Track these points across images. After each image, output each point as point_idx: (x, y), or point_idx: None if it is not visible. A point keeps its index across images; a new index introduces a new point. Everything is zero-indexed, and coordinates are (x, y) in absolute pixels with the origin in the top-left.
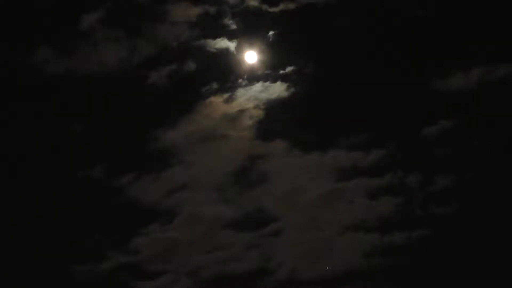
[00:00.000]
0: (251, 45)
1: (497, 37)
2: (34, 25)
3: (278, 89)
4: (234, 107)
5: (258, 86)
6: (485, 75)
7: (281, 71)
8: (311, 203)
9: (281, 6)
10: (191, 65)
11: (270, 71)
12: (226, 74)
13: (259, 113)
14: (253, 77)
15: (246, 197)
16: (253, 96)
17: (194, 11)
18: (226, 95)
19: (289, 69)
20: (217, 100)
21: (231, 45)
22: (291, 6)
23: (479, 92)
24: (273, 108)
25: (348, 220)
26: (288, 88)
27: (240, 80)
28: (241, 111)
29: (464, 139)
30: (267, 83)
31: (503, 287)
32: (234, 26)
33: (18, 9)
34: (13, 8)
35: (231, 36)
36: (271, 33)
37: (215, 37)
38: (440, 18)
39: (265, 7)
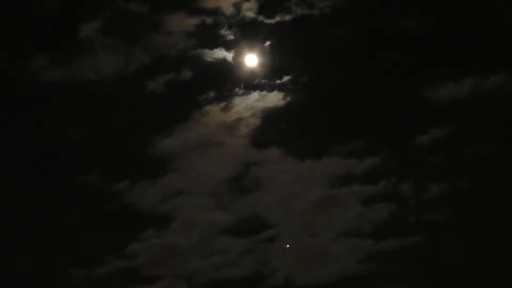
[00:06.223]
0: (248, 55)
1: (489, 48)
2: (32, 34)
3: (274, 98)
4: (231, 115)
5: (255, 95)
6: (476, 85)
7: (278, 81)
8: (305, 210)
9: (277, 18)
10: (188, 74)
11: (266, 81)
12: (223, 83)
13: (256, 121)
14: (250, 86)
15: (241, 203)
16: (250, 105)
17: (191, 22)
18: (223, 104)
19: (285, 78)
20: (214, 109)
21: (228, 55)
22: (287, 17)
23: (471, 101)
24: (269, 116)
25: (343, 227)
26: (284, 97)
27: (237, 89)
28: (238, 120)
29: (456, 148)
30: (264, 92)
31: None
32: (231, 37)
33: (17, 18)
34: (12, 16)
35: (228, 46)
36: (267, 43)
37: (212, 47)
38: (433, 29)
39: (261, 18)
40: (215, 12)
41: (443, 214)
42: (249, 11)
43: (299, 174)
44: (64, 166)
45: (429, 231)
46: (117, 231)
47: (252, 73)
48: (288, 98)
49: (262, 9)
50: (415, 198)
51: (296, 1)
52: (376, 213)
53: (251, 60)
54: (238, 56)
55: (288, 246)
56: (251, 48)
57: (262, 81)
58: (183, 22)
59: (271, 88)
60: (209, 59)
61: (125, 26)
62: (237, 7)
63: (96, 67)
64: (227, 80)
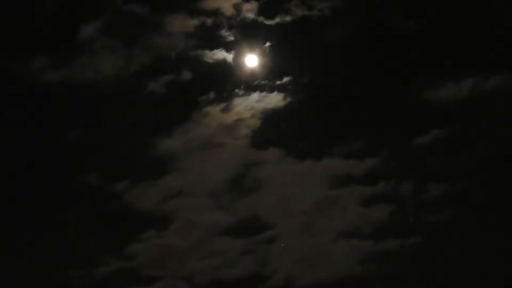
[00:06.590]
0: (248, 56)
1: (488, 49)
2: (32, 34)
3: (275, 99)
4: (231, 116)
5: (255, 96)
6: (476, 86)
7: (278, 82)
8: (305, 210)
9: (277, 19)
10: (188, 75)
11: (267, 82)
12: (223, 84)
13: (256, 122)
14: (250, 87)
15: (241, 203)
16: (249, 106)
17: (191, 23)
18: (223, 105)
19: (285, 79)
20: (214, 110)
21: (228, 56)
22: (287, 18)
23: (471, 102)
24: (269, 117)
25: (342, 227)
26: (284, 98)
27: (237, 90)
28: (238, 121)
29: (456, 148)
30: (264, 93)
31: None
32: (231, 38)
33: (17, 18)
34: (12, 17)
35: (228, 47)
36: (267, 44)
37: (212, 48)
38: (433, 30)
39: (261, 19)
40: (215, 13)
41: (443, 214)
42: (249, 12)
43: (299, 175)
44: (64, 167)
45: (429, 231)
46: (117, 231)
47: (252, 74)
48: (288, 99)
49: (262, 10)
50: (415, 198)
51: (296, 2)
52: (376, 213)
53: (251, 61)
54: (238, 57)
55: (284, 245)
56: (251, 49)
57: (262, 82)
58: (183, 23)
59: (271, 89)
60: (209, 60)
61: (125, 27)
62: (237, 8)
63: (96, 68)
64: (227, 81)
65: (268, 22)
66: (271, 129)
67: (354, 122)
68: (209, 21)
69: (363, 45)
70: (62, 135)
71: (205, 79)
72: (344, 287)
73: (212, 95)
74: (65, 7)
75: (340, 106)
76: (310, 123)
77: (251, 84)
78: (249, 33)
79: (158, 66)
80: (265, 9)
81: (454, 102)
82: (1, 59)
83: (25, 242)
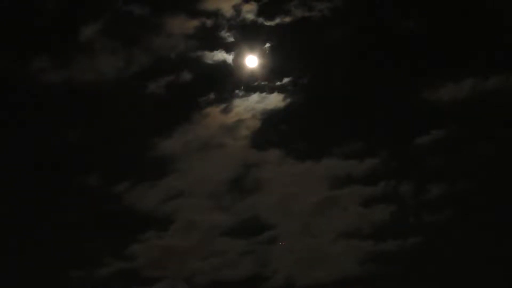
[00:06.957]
0: (248, 57)
1: (488, 49)
2: (33, 35)
3: (274, 100)
4: (231, 117)
5: (255, 97)
6: (476, 86)
7: (278, 83)
8: (305, 211)
9: (277, 20)
10: (188, 76)
11: (266, 82)
12: (223, 85)
13: (256, 123)
14: (250, 88)
15: (241, 204)
16: (250, 107)
17: (191, 24)
18: (223, 106)
19: (285, 80)
20: (214, 110)
21: (228, 57)
22: (286, 19)
23: (471, 102)
24: (269, 118)
25: (342, 228)
26: (284, 98)
27: (237, 91)
28: (238, 121)
29: (456, 148)
30: (264, 94)
31: None
32: (231, 39)
33: (18, 19)
34: (13, 18)
35: (228, 48)
36: (267, 45)
37: (212, 49)
38: (433, 30)
39: (261, 20)
40: (215, 14)
41: (443, 215)
42: (249, 13)
43: (299, 175)
44: (64, 167)
45: (429, 232)
46: (117, 232)
47: (252, 75)
48: (288, 100)
49: (262, 11)
50: (415, 199)
51: (296, 3)
52: (376, 214)
53: (251, 62)
54: (238, 58)
55: (282, 244)
56: (251, 50)
57: (262, 82)
58: (183, 24)
59: (271, 90)
60: (209, 61)
61: (126, 28)
62: (237, 9)
63: (96, 69)
64: (227, 82)
65: (268, 23)
66: (271, 130)
67: (354, 123)
68: (209, 22)
69: (363, 45)
70: (62, 136)
71: (205, 80)
72: (344, 287)
73: (212, 96)
74: (65, 7)
75: (339, 107)
76: (310, 124)
77: (251, 85)
78: (249, 34)
79: (158, 67)
80: (265, 10)
81: (454, 102)
82: (1, 59)
83: (25, 242)
